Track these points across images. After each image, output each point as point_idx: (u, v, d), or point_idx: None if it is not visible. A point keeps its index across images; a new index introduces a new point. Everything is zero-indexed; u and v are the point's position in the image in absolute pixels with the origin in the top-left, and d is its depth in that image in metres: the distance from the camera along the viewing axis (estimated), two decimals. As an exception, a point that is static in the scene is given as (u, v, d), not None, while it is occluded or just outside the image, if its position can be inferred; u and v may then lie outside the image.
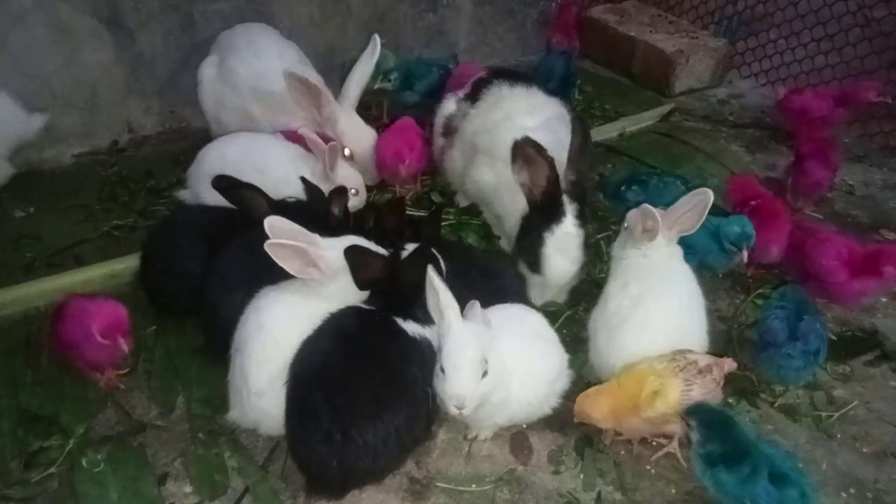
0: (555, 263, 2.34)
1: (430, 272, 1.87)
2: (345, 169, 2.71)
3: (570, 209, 2.32)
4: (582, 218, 2.35)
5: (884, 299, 2.65)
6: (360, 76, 2.88)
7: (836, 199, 3.22)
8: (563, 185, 2.31)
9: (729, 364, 1.99)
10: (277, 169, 2.60)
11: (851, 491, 1.99)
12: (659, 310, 2.08)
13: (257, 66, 2.90)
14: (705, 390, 1.91)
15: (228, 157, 2.64)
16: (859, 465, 2.07)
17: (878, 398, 2.28)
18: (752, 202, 2.64)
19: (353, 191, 2.66)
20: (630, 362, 2.01)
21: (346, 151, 2.80)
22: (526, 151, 2.25)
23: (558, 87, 3.41)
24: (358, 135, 2.87)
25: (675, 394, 1.90)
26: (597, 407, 1.97)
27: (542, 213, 2.34)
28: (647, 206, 2.13)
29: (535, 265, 2.36)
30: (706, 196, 2.09)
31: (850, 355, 2.42)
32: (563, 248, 2.32)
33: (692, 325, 2.12)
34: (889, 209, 3.17)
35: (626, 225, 2.25)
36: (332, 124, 2.78)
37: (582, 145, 2.36)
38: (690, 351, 2.00)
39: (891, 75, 3.67)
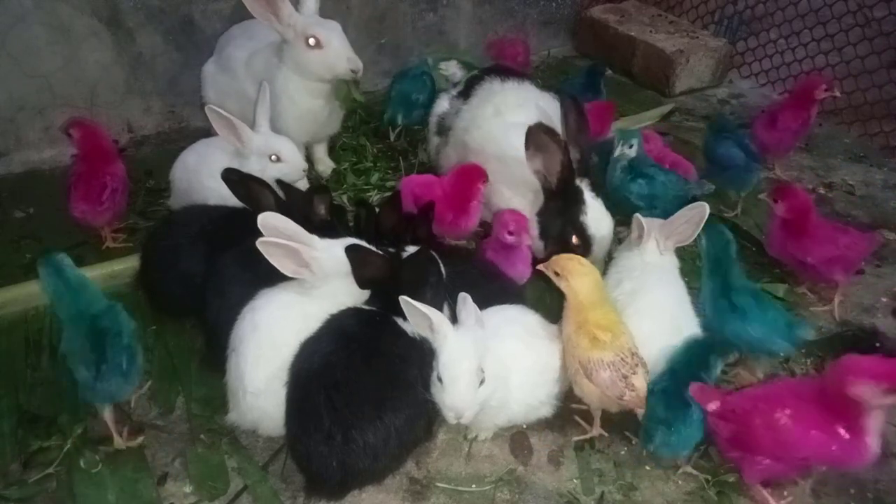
0: (599, 227, 2.38)
1: (404, 299, 1.83)
2: (262, 137, 2.57)
3: (584, 184, 2.39)
4: (597, 189, 2.42)
5: (884, 299, 2.64)
6: None
7: (836, 199, 3.21)
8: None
9: (640, 412, 1.96)
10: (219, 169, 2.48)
11: (851, 491, 1.99)
12: (655, 300, 2.12)
13: (250, 46, 2.94)
14: (606, 383, 1.89)
15: (190, 166, 2.67)
16: (859, 464, 2.07)
17: (879, 398, 2.27)
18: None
19: (272, 157, 2.56)
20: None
21: (311, 41, 2.71)
22: (539, 138, 2.27)
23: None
24: (323, 25, 2.73)
25: (597, 354, 1.90)
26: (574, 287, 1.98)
27: (562, 199, 2.39)
28: (637, 215, 2.24)
29: (575, 243, 2.37)
30: (702, 209, 2.16)
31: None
32: (598, 216, 2.38)
33: (687, 320, 2.12)
34: (889, 209, 3.16)
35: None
36: (293, 30, 2.71)
37: (578, 121, 2.41)
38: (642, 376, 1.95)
39: (891, 75, 3.66)
